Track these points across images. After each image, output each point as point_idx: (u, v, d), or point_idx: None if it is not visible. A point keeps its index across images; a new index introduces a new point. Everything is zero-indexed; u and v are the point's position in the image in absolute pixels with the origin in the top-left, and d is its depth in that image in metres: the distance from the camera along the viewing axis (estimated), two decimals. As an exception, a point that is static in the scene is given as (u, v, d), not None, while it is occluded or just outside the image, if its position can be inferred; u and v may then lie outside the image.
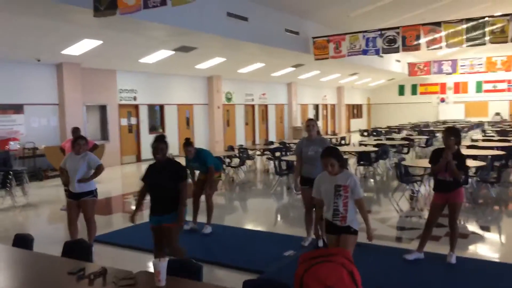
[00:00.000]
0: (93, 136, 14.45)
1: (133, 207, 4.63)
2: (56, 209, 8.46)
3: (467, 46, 13.68)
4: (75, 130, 8.52)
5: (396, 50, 14.56)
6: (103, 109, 14.97)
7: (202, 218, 6.65)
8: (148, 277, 2.86)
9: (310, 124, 5.53)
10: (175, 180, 4.29)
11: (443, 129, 5.98)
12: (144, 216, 7.77)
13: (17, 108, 12.38)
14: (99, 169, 5.59)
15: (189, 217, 6.40)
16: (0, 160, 9.91)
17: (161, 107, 17.25)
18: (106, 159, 13.51)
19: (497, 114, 29.59)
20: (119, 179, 13.21)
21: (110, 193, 10.54)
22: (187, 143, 6.21)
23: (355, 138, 20.07)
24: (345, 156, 10.27)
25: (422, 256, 5.08)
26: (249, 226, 7.04)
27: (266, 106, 23.23)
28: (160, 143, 4.34)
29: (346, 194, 3.66)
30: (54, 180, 11.82)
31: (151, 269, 2.82)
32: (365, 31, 14.74)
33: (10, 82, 12.16)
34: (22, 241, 3.76)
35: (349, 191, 3.67)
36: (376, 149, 11.48)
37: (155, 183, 4.37)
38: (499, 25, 12.79)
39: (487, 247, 5.84)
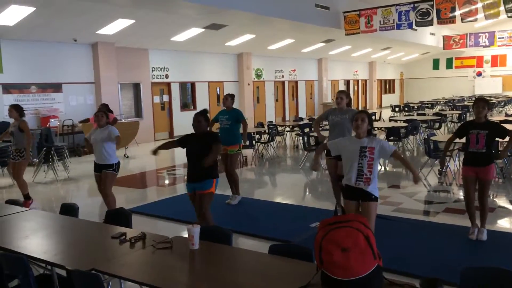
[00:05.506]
0: (127, 113, 14.95)
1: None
2: (94, 183, 8.92)
3: (505, 18, 13.21)
4: (102, 106, 8.84)
5: (430, 23, 14.20)
6: (136, 87, 15.39)
7: (229, 192, 6.93)
8: (183, 241, 3.13)
9: (339, 96, 5.72)
10: (210, 143, 4.53)
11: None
12: (177, 189, 8.15)
13: (56, 87, 12.93)
14: (117, 140, 5.81)
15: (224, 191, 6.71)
16: (43, 136, 10.46)
17: (192, 84, 17.54)
18: (140, 136, 14.02)
19: (537, 88, 28.44)
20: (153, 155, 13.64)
21: (145, 168, 11.00)
22: (230, 95, 6.94)
23: (386, 113, 19.83)
24: (374, 132, 10.29)
25: (484, 231, 4.88)
26: (278, 200, 7.26)
27: (296, 82, 23.17)
28: (197, 115, 4.70)
29: (372, 156, 3.65)
30: (92, 156, 12.35)
31: (186, 235, 3.09)
32: (398, 4, 14.40)
33: (49, 62, 12.67)
34: (68, 210, 4.12)
35: (375, 153, 3.65)
36: (405, 124, 11.41)
37: (190, 151, 4.67)
38: (539, -5, 12.29)
39: (514, 222, 5.87)
